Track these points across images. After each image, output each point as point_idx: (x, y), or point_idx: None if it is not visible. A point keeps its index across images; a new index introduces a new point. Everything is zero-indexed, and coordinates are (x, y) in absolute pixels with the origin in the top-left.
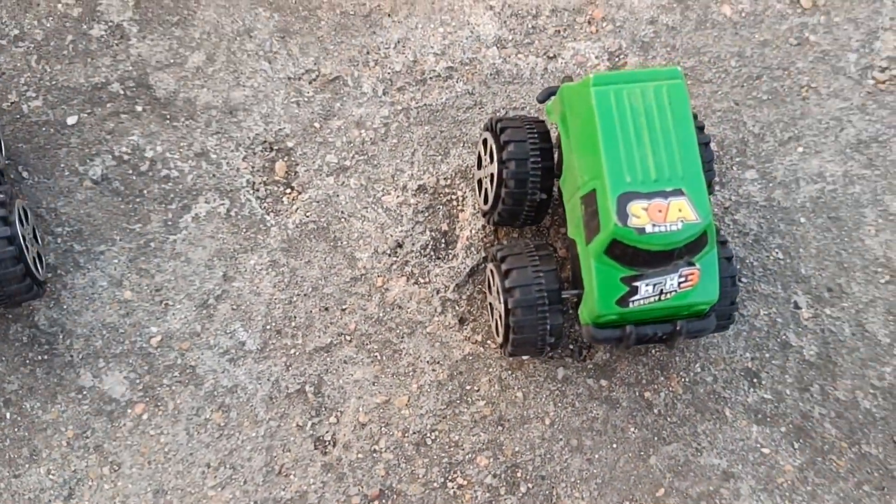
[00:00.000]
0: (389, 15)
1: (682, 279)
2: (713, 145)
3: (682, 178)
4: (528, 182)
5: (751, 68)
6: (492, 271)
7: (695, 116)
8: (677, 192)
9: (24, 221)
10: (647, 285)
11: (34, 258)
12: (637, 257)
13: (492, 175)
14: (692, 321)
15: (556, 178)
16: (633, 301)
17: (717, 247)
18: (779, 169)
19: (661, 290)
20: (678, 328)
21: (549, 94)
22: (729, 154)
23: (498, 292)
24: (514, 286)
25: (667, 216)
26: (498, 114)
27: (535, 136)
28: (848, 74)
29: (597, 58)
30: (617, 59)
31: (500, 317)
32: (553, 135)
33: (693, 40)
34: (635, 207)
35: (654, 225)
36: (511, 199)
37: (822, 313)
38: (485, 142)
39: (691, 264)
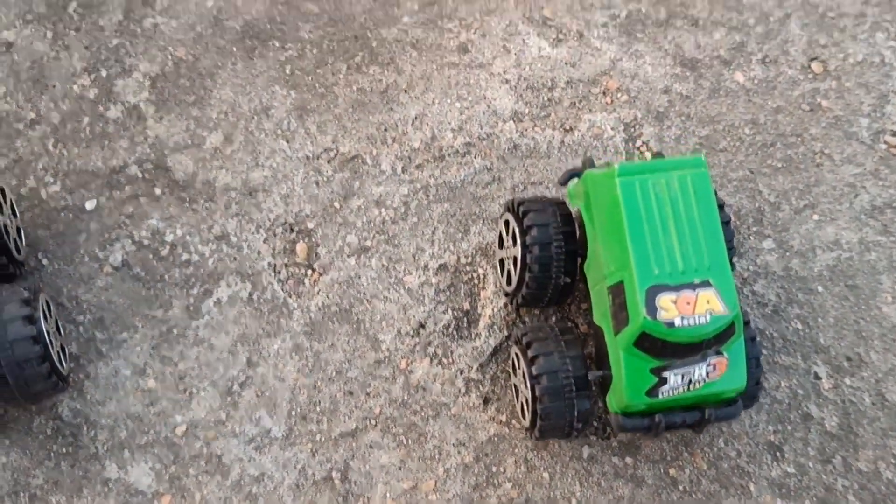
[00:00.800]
0: (406, 91)
1: (711, 368)
2: (731, 216)
3: (709, 268)
4: (551, 266)
5: (765, 136)
6: (517, 355)
7: (714, 193)
8: (705, 284)
9: (47, 316)
10: (675, 375)
11: (58, 352)
12: (666, 349)
13: (514, 258)
14: (720, 408)
15: (580, 257)
16: (662, 391)
17: (744, 334)
18: (795, 238)
19: (690, 379)
20: (706, 416)
21: (570, 176)
22: (746, 223)
23: (524, 377)
24: (541, 373)
25: (695, 308)
26: (518, 193)
27: (558, 219)
28: (860, 139)
29: (612, 129)
30: (633, 130)
31: (527, 401)
32: (574, 210)
33: (707, 108)
34: (664, 300)
35: (682, 318)
36: (535, 283)
37: (843, 383)
38: (506, 223)
39: (719, 353)
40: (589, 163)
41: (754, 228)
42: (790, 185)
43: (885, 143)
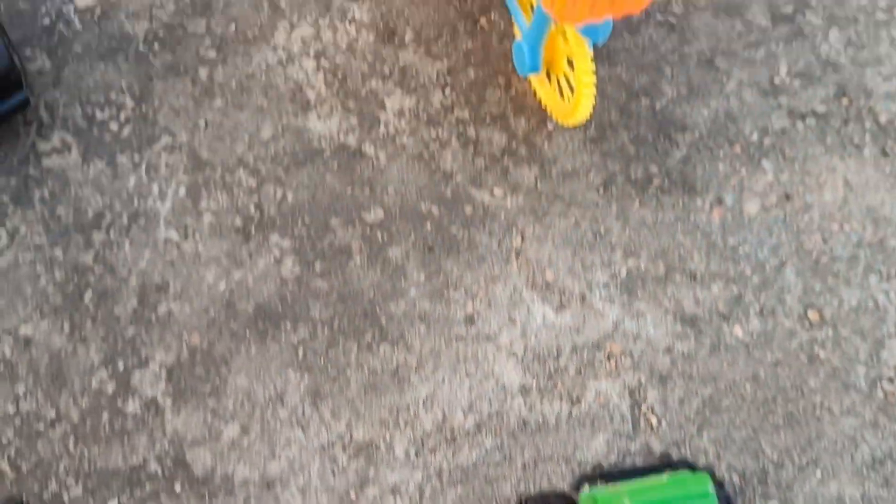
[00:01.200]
0: (416, 370)
1: None
2: (735, 478)
3: None
4: None
5: (765, 391)
6: None
7: (711, 474)
8: None
9: None
10: None
11: None
12: None
13: None
14: None
15: None
16: None
17: None
18: (799, 496)
19: None
20: None
21: (582, 480)
22: (751, 485)
23: None
24: None
25: None
26: (529, 473)
27: None
28: (858, 389)
29: (618, 396)
30: (637, 396)
31: None
32: None
33: (709, 366)
34: None
35: None
36: None
37: None
38: None
39: None
40: (598, 469)
41: (759, 489)
42: (792, 442)
43: (883, 390)
